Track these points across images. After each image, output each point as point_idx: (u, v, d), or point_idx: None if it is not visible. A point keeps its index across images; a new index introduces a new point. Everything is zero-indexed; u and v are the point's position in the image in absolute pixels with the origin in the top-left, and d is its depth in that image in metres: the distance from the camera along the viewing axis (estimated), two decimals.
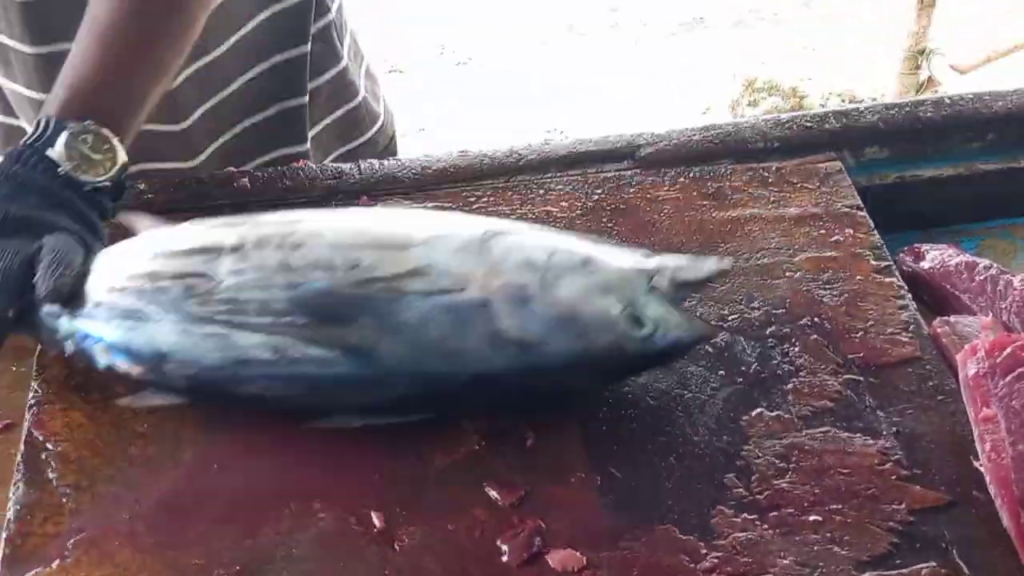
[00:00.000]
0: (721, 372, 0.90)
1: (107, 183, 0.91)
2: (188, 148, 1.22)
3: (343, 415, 0.84)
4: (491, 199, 1.06)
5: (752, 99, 3.53)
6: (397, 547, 0.78)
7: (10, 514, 0.80)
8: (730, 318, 0.95)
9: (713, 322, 0.94)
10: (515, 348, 0.82)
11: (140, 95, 0.96)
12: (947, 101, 1.17)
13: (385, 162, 1.12)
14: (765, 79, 3.60)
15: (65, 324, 0.87)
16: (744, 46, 3.85)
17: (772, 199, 1.06)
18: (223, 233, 0.87)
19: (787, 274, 0.99)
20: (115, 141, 0.92)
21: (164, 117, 1.17)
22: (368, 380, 0.83)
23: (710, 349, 0.91)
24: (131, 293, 0.85)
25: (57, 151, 0.89)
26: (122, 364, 0.85)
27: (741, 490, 0.82)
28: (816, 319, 0.94)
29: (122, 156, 0.92)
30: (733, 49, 3.82)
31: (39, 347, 0.91)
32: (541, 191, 1.07)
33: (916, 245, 1.05)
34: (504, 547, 0.78)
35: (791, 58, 3.76)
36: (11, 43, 1.14)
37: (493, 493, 0.82)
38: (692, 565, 0.77)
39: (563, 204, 1.05)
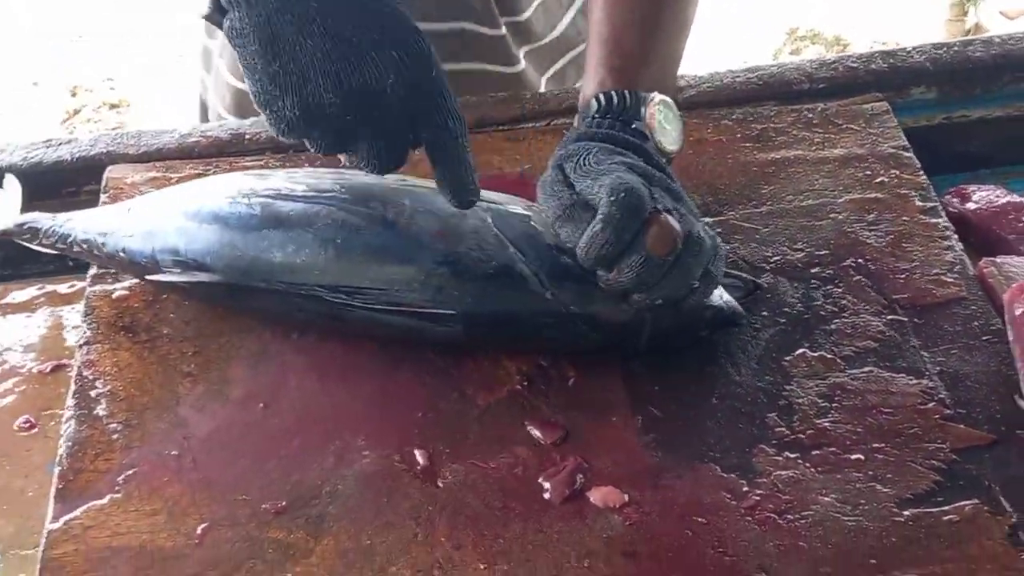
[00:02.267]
0: (764, 313, 0.90)
1: (676, 152, 0.89)
2: None
3: (365, 305, 0.84)
4: (531, 143, 1.06)
5: (795, 48, 3.47)
6: (440, 484, 0.79)
7: (62, 450, 0.81)
8: (773, 259, 0.94)
9: (756, 263, 0.93)
10: (553, 250, 0.83)
11: (678, 58, 0.96)
12: (997, 40, 1.15)
13: None
14: (808, 28, 3.54)
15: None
16: None
17: (816, 140, 1.05)
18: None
19: (831, 215, 0.98)
20: (679, 112, 0.89)
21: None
22: (396, 251, 0.84)
23: None
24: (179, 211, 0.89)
25: (646, 123, 0.87)
26: (149, 246, 0.88)
27: (783, 429, 0.82)
28: (860, 260, 0.94)
29: (683, 124, 0.89)
30: None
31: (88, 289, 0.93)
32: None
33: (962, 186, 1.04)
34: (546, 484, 0.79)
35: (834, 7, 3.69)
36: None
37: (535, 432, 0.82)
38: (734, 503, 0.77)
39: None
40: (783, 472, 0.79)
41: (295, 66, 0.73)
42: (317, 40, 0.72)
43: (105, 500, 0.78)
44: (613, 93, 0.87)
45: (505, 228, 0.85)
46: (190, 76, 1.33)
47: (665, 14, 0.93)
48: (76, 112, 3.23)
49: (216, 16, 0.75)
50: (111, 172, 1.03)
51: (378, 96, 0.74)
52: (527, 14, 1.20)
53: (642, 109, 0.86)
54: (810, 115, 1.08)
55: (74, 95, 3.31)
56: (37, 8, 3.72)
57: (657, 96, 0.87)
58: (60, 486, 0.79)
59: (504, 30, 1.17)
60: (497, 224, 0.85)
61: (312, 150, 0.77)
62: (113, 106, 3.24)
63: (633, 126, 0.86)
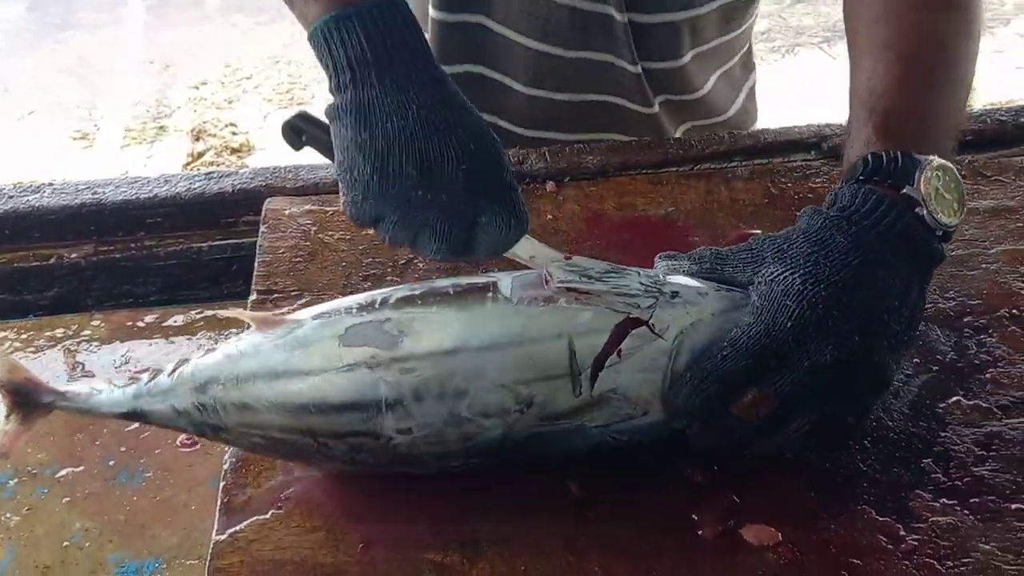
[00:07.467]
0: (916, 360, 0.90)
1: (955, 226, 0.80)
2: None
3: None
4: (674, 186, 1.08)
5: None
6: (592, 515, 0.80)
7: (226, 466, 0.84)
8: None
9: None
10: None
11: (956, 117, 0.87)
12: None
13: (567, 148, 1.14)
14: None
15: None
16: None
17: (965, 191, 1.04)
18: (369, 379, 0.76)
19: (983, 265, 0.97)
20: (960, 179, 0.80)
21: None
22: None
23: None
24: (289, 445, 0.79)
25: (919, 189, 0.78)
26: None
27: (939, 475, 0.81)
28: (1014, 311, 0.93)
29: (963, 193, 0.80)
30: None
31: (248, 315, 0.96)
32: (726, 178, 1.08)
33: None
34: (699, 519, 0.79)
35: None
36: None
37: (688, 468, 0.82)
38: (890, 546, 0.77)
39: (747, 193, 1.06)
40: (941, 518, 0.78)
41: (382, 137, 0.80)
42: (404, 122, 0.80)
43: (268, 515, 0.81)
44: (883, 154, 0.79)
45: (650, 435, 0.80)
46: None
47: (936, 69, 0.86)
48: (199, 155, 3.34)
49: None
50: (270, 204, 1.07)
51: (448, 177, 0.79)
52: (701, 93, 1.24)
53: (915, 173, 0.78)
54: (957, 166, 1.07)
55: (198, 139, 3.43)
56: (162, 54, 3.88)
57: (935, 160, 0.79)
58: (225, 500, 0.82)
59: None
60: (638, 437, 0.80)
61: (381, 236, 0.82)
62: (235, 151, 3.35)
63: (903, 191, 0.78)
